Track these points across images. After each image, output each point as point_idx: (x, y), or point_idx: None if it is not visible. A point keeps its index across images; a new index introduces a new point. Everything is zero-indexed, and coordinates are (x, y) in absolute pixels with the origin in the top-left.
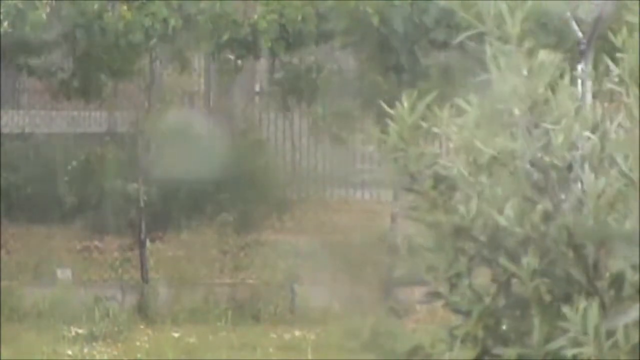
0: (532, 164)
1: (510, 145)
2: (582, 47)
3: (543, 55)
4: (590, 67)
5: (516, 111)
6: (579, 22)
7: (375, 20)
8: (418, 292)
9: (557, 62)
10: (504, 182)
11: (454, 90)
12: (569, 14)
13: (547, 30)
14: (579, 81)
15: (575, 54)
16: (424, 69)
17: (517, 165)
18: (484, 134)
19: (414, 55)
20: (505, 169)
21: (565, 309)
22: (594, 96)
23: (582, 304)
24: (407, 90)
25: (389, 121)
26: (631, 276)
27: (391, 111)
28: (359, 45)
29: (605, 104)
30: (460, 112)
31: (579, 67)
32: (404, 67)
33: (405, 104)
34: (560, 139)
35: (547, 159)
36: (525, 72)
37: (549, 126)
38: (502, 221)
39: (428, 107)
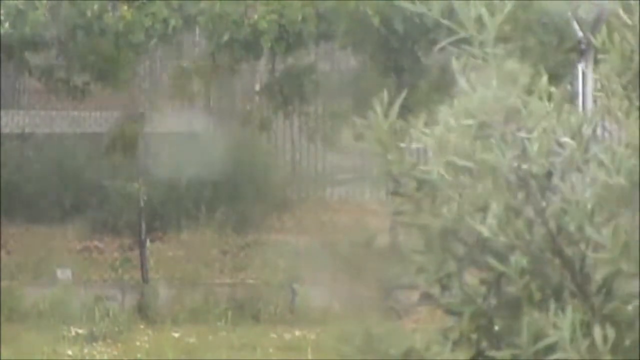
0: (511, 173)
1: (487, 157)
2: (583, 46)
3: (511, 64)
4: (591, 66)
5: (490, 122)
6: (579, 22)
7: (375, 21)
8: (418, 292)
9: (528, 69)
10: (485, 190)
11: (452, 91)
12: (569, 13)
13: (547, 30)
14: (580, 81)
15: (575, 54)
16: (424, 69)
17: (496, 175)
18: (461, 144)
19: (414, 56)
20: (485, 179)
21: (537, 315)
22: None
23: (553, 306)
24: (379, 95)
25: (364, 128)
26: (619, 280)
27: (361, 120)
28: (359, 45)
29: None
30: (435, 120)
31: (579, 66)
32: (403, 67)
33: (379, 109)
34: (535, 147)
35: (525, 166)
36: (494, 83)
37: (523, 135)
38: (484, 231)
39: (408, 110)
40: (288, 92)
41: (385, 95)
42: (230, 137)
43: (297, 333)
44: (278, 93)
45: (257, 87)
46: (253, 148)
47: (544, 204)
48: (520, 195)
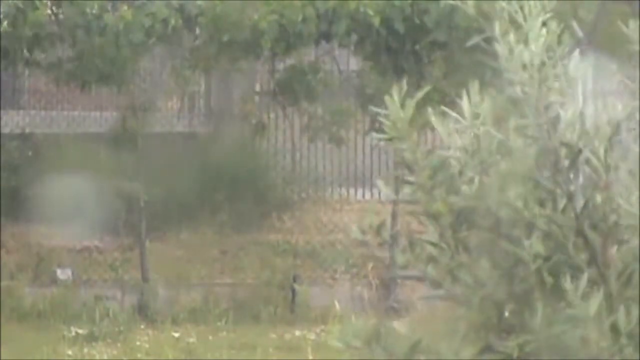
0: (540, 142)
1: (518, 122)
2: (582, 47)
3: (554, 26)
4: (590, 66)
5: (524, 82)
6: (579, 22)
7: (376, 22)
8: (418, 291)
9: (569, 38)
10: (511, 162)
11: (455, 90)
12: (569, 13)
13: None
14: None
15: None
16: (424, 70)
17: (524, 145)
18: (492, 111)
19: (415, 56)
20: (512, 150)
21: (568, 288)
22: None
23: (583, 285)
24: (397, 85)
25: (382, 116)
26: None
27: (380, 110)
28: (359, 46)
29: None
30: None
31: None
32: (404, 68)
33: (395, 96)
34: (570, 113)
35: (556, 136)
36: (533, 48)
37: (558, 99)
38: (506, 204)
39: (426, 100)
40: (288, 92)
41: (404, 83)
42: (230, 137)
43: (297, 333)
44: (278, 93)
45: (257, 87)
46: (253, 148)
47: (571, 176)
48: (548, 167)
